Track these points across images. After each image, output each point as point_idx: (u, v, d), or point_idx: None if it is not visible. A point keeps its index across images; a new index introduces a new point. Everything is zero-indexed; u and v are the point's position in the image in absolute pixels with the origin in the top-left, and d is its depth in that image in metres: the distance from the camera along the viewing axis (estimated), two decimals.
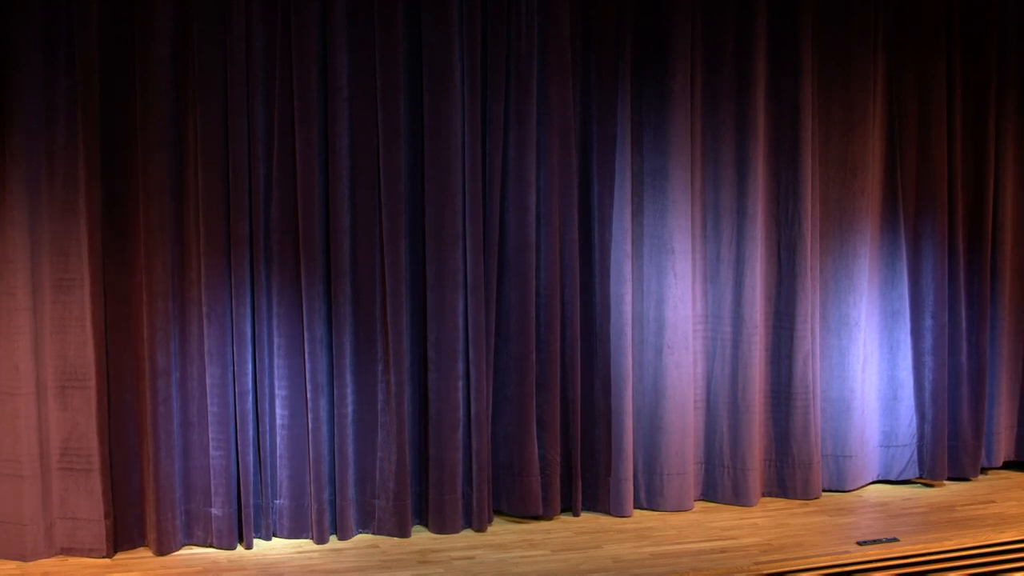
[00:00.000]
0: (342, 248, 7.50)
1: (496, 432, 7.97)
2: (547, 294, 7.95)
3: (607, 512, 8.16)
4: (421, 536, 7.73)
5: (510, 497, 8.01)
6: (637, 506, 8.25)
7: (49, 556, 7.22)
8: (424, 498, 7.83)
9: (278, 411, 7.50)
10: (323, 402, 7.52)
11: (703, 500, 8.42)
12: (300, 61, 7.36)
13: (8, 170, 7.02)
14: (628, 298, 8.06)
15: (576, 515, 8.12)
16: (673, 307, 8.15)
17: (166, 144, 7.22)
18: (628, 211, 8.04)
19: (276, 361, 7.48)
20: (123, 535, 7.34)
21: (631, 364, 8.11)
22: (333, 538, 7.61)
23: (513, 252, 7.86)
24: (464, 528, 7.83)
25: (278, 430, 7.52)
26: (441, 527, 7.78)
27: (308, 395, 7.47)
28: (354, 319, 7.59)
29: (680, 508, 8.24)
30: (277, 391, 7.49)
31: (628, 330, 8.06)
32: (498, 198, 7.82)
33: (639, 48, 8.10)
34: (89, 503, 7.21)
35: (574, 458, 8.11)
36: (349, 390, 7.59)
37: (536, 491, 7.96)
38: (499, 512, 8.04)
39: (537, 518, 8.04)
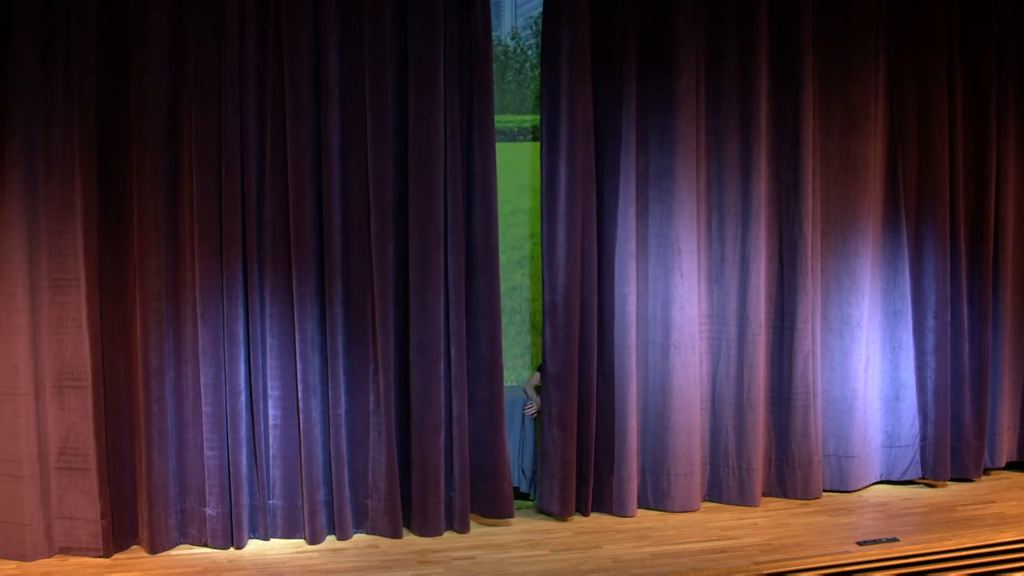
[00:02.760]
0: (334, 249, 7.52)
1: (469, 435, 7.94)
2: (566, 293, 7.94)
3: (610, 512, 8.16)
4: (421, 536, 7.73)
5: (482, 500, 7.98)
6: (644, 506, 8.24)
7: (49, 556, 7.25)
8: (408, 500, 7.81)
9: (271, 411, 7.52)
10: (315, 402, 7.53)
11: (707, 500, 8.41)
12: (292, 61, 7.38)
13: (5, 170, 7.06)
14: (632, 298, 8.06)
15: (586, 515, 8.12)
16: (680, 307, 8.14)
17: (161, 144, 7.25)
18: (633, 211, 8.03)
19: (269, 361, 7.50)
20: (120, 535, 7.37)
21: (635, 364, 8.10)
22: (332, 538, 7.62)
23: (480, 254, 7.83)
24: (446, 530, 7.81)
25: (271, 430, 7.54)
26: (424, 530, 7.74)
27: (299, 395, 7.48)
28: (346, 320, 7.60)
29: (687, 508, 8.23)
30: (270, 391, 7.50)
31: (632, 330, 8.06)
32: (463, 200, 7.80)
33: (644, 48, 8.09)
34: (87, 503, 7.25)
35: (588, 458, 8.09)
36: (342, 390, 7.59)
37: (509, 494, 7.92)
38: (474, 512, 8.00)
39: (555, 516, 8.06)
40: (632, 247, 8.04)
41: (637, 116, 8.06)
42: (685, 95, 8.08)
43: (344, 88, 7.49)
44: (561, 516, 8.05)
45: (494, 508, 7.92)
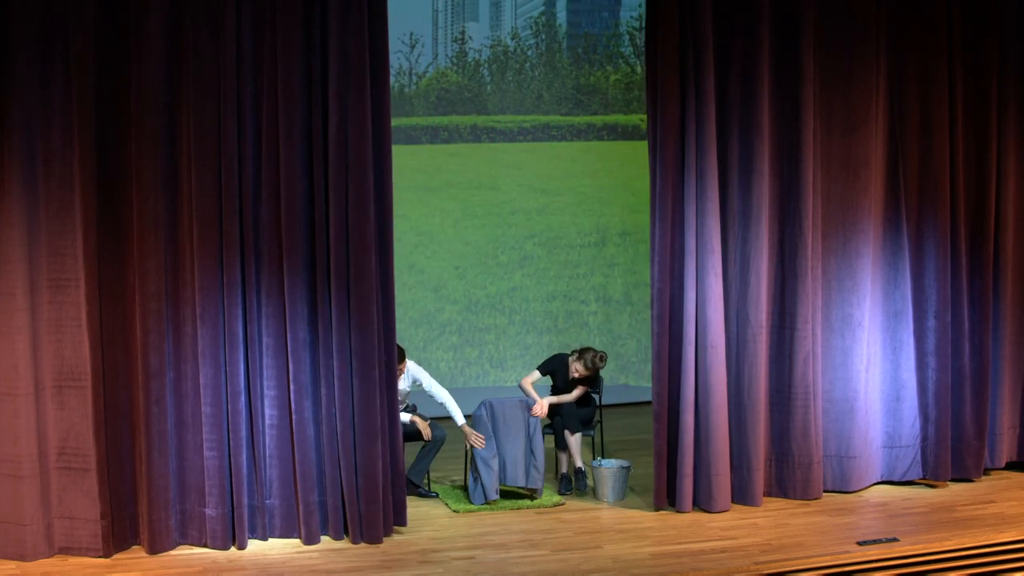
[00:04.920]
0: (324, 248, 7.49)
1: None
2: (660, 287, 8.02)
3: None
4: (421, 536, 7.74)
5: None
6: (694, 506, 8.25)
7: (49, 556, 7.26)
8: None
9: (267, 411, 7.51)
10: (307, 403, 7.51)
11: None
12: (287, 61, 7.37)
13: (5, 171, 7.06)
14: (692, 294, 8.09)
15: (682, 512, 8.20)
16: (714, 306, 8.14)
17: (160, 144, 7.26)
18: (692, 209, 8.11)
19: (265, 361, 7.49)
20: (119, 535, 7.37)
21: (694, 361, 8.12)
22: (328, 538, 7.62)
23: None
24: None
25: (267, 430, 7.53)
26: (369, 536, 7.65)
27: (291, 395, 7.47)
28: (339, 320, 7.58)
29: (724, 508, 8.22)
30: (266, 391, 7.50)
31: (692, 329, 8.08)
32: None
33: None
34: (86, 503, 7.25)
35: (685, 452, 8.11)
36: (336, 391, 7.57)
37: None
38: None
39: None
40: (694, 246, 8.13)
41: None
42: (711, 95, 8.11)
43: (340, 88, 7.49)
44: (656, 508, 8.17)
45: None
